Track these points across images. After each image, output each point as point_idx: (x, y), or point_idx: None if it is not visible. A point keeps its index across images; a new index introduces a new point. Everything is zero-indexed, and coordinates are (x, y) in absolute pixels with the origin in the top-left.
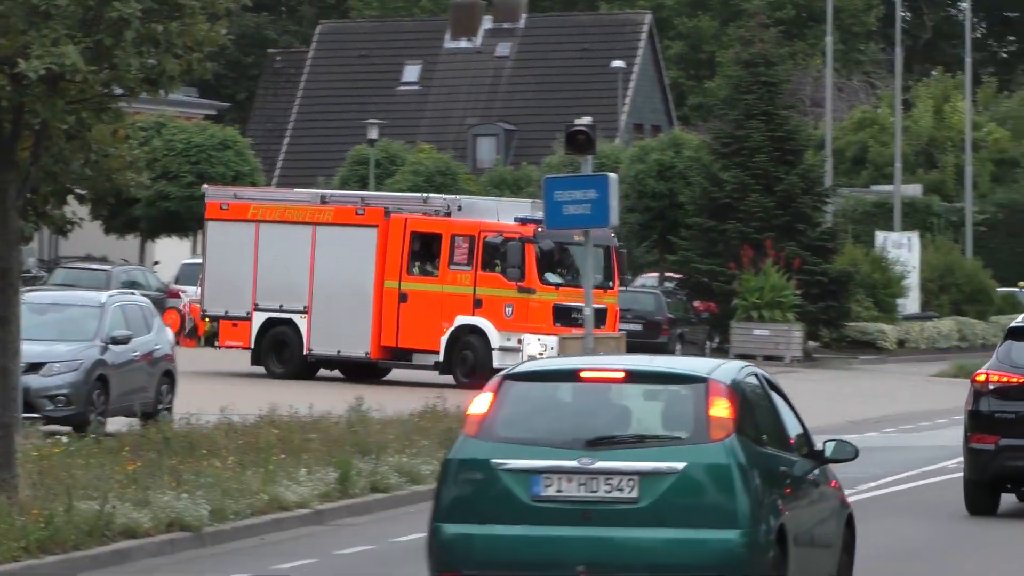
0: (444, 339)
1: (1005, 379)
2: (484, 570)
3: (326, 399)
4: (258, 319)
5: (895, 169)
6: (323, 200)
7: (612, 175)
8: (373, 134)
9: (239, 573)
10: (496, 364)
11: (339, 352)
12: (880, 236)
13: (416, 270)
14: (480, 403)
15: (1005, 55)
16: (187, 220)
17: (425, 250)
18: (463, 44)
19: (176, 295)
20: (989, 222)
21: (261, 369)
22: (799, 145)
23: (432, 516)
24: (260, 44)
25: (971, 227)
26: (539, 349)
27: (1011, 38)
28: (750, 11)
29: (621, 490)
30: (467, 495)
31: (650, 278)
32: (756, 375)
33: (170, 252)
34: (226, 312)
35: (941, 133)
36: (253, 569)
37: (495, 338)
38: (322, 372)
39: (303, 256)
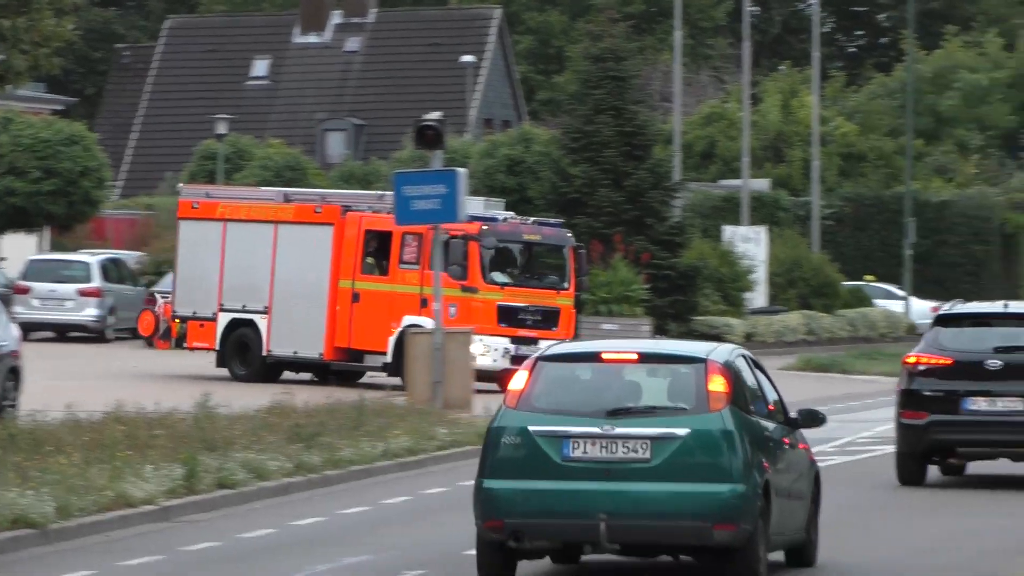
0: (392, 340)
1: (933, 361)
2: (522, 519)
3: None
4: (223, 320)
5: (743, 164)
6: (286, 198)
7: (461, 170)
8: (222, 129)
9: (84, 570)
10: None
11: (295, 353)
12: (728, 230)
13: (368, 269)
14: (518, 380)
15: (853, 49)
16: (34, 216)
17: (379, 249)
18: (312, 39)
19: (23, 291)
20: (836, 216)
21: (225, 371)
22: (648, 140)
23: (478, 474)
24: (108, 39)
25: (818, 221)
26: (481, 351)
27: (858, 33)
28: (599, 6)
29: (636, 452)
30: (508, 456)
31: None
32: (744, 356)
33: (17, 248)
34: (194, 313)
35: (789, 128)
36: (98, 566)
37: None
38: (288, 375)
39: (265, 256)
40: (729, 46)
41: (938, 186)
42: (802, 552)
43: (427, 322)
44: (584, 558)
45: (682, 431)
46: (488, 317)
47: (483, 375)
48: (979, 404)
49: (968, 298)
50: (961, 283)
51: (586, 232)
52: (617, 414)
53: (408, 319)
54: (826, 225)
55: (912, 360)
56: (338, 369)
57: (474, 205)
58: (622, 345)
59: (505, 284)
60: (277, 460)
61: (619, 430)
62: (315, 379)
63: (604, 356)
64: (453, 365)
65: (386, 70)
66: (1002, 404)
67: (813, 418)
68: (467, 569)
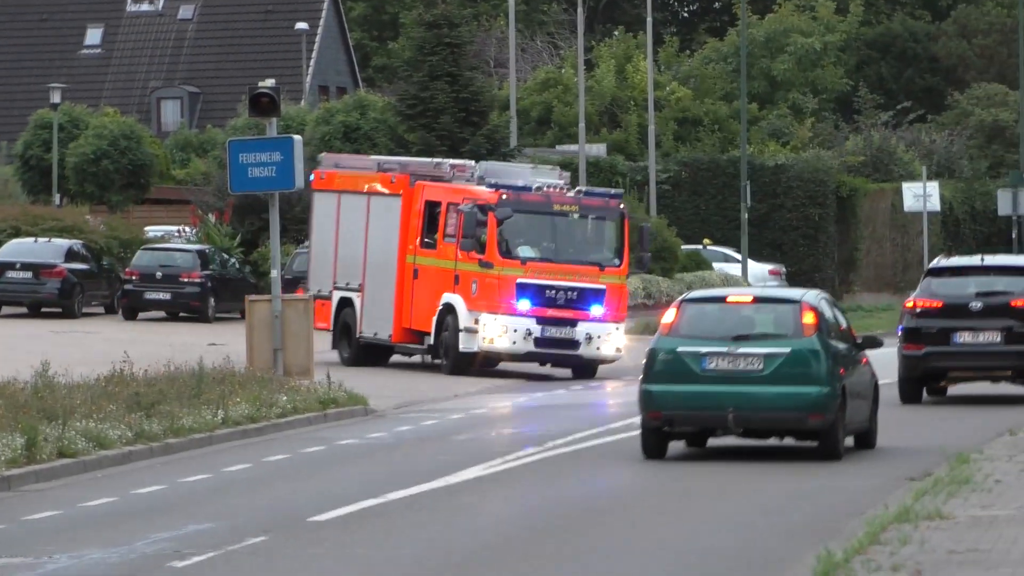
0: (434, 319)
1: (928, 304)
2: (673, 411)
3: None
4: (335, 298)
5: (579, 129)
6: (379, 167)
7: (297, 137)
8: (56, 98)
9: None
10: (462, 347)
11: (375, 335)
12: None
13: (425, 244)
14: (669, 315)
15: (686, 14)
16: None
17: (433, 221)
18: (145, 7)
19: None
20: (672, 181)
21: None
22: (484, 106)
23: (642, 381)
24: None
25: (655, 186)
26: (498, 332)
27: None
28: None
29: (752, 365)
30: (663, 368)
31: None
32: (825, 298)
33: None
34: (319, 291)
35: (624, 93)
36: None
37: (463, 318)
38: (398, 359)
39: (360, 229)
40: (563, 11)
41: (773, 150)
42: (866, 437)
43: (456, 300)
44: (710, 442)
45: (785, 350)
46: (504, 295)
47: (497, 359)
48: (965, 338)
49: (805, 261)
50: (798, 246)
51: None
52: (739, 339)
53: (446, 296)
54: (663, 190)
55: (911, 304)
56: (402, 351)
57: (516, 171)
58: (740, 291)
59: (529, 259)
60: (118, 429)
61: (740, 350)
62: (427, 362)
63: (728, 299)
64: (293, 332)
65: (220, 38)
66: (983, 337)
67: (873, 342)
68: (310, 535)
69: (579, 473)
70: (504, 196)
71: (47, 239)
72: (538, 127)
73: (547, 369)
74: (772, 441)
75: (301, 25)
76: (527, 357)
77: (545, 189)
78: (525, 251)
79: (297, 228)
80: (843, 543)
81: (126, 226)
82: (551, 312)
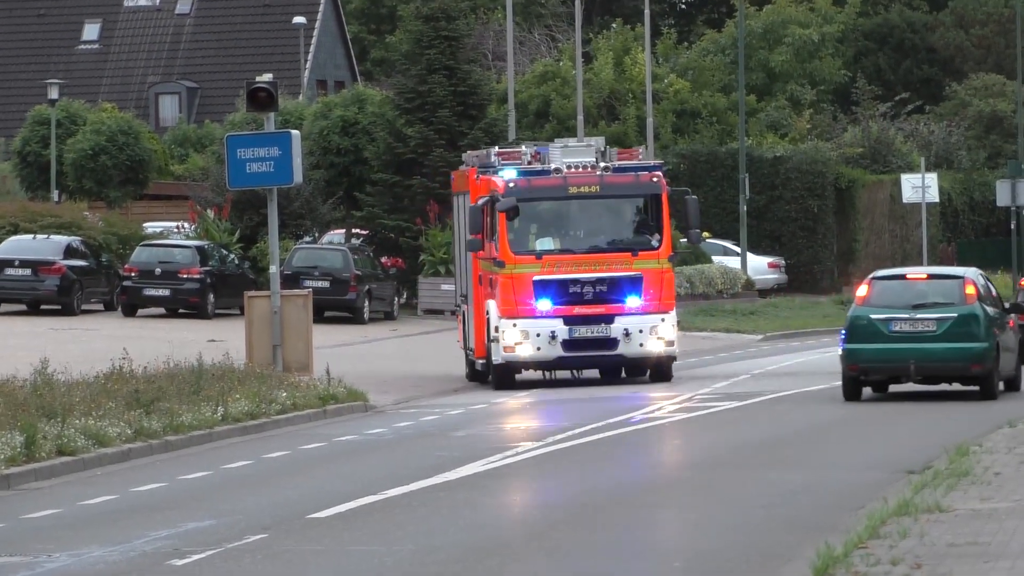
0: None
1: None
2: (867, 364)
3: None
4: (460, 311)
5: (578, 122)
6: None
7: (295, 132)
8: (53, 94)
9: None
10: (494, 359)
11: (472, 349)
12: None
13: (476, 243)
14: (862, 290)
15: (684, 6)
16: None
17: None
18: (143, 2)
19: None
20: (671, 173)
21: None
22: (482, 99)
23: (844, 341)
24: None
25: None
26: (517, 338)
27: None
28: None
29: (928, 327)
30: (858, 331)
31: (337, 235)
32: (982, 274)
33: None
34: (457, 305)
35: (622, 85)
36: None
37: (494, 326)
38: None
39: (462, 233)
40: (561, 4)
41: (772, 141)
42: (1014, 382)
43: (492, 307)
44: (891, 388)
45: (953, 315)
46: (520, 295)
47: (520, 367)
48: None
49: (804, 252)
50: (796, 238)
51: (422, 193)
52: (917, 307)
53: (488, 303)
54: None
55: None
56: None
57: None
58: (916, 269)
59: (545, 252)
60: (117, 426)
61: (919, 315)
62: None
63: (908, 276)
64: (292, 328)
65: (217, 32)
66: None
67: (1018, 308)
68: (310, 532)
69: (578, 469)
70: (511, 184)
71: (46, 236)
72: (536, 120)
73: (593, 374)
74: (943, 386)
75: (299, 19)
76: (557, 364)
77: (565, 170)
78: (543, 243)
79: (296, 223)
80: (842, 537)
81: (125, 222)
82: (579, 309)
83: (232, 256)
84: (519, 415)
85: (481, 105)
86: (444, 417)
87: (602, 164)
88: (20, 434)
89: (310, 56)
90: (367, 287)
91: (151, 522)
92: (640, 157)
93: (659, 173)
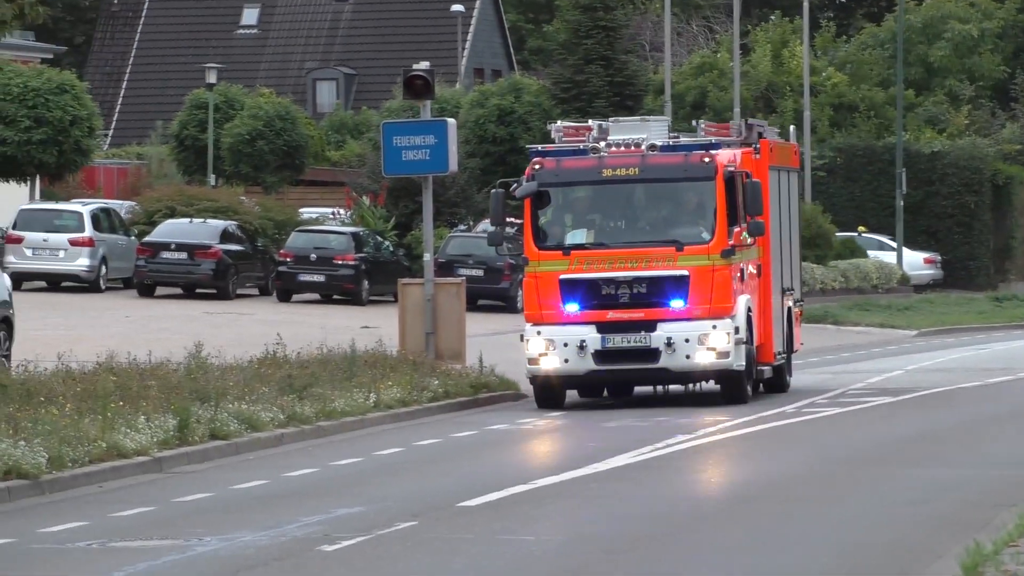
0: None
1: None
2: None
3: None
4: None
5: (734, 114)
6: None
7: (451, 120)
8: (211, 78)
9: (78, 521)
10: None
11: None
12: None
13: None
14: None
15: (843, 0)
16: (25, 165)
17: None
18: None
19: (16, 240)
20: (828, 167)
21: None
22: (638, 90)
23: None
24: None
25: (810, 172)
26: (541, 348)
27: None
28: None
29: None
30: None
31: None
32: None
33: (8, 198)
34: None
35: (780, 78)
36: (92, 516)
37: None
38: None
39: None
40: None
41: (929, 137)
42: None
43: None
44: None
45: None
46: (545, 297)
47: (552, 381)
48: None
49: (959, 249)
50: (952, 234)
51: None
52: None
53: None
54: (817, 176)
55: None
56: None
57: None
58: None
59: (574, 247)
60: (270, 411)
61: None
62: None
63: None
64: (445, 316)
65: (376, 19)
66: None
67: None
68: (460, 520)
69: (728, 462)
70: (537, 167)
71: (202, 220)
72: (693, 112)
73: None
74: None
75: (457, 7)
76: (589, 378)
77: (605, 150)
78: (573, 236)
79: (450, 211)
80: (993, 535)
81: (280, 207)
82: (614, 314)
83: (387, 243)
84: (667, 406)
85: (637, 96)
86: (594, 408)
87: (648, 143)
88: (173, 417)
89: (468, 44)
90: (520, 276)
91: (302, 507)
92: (733, 134)
93: (714, 153)
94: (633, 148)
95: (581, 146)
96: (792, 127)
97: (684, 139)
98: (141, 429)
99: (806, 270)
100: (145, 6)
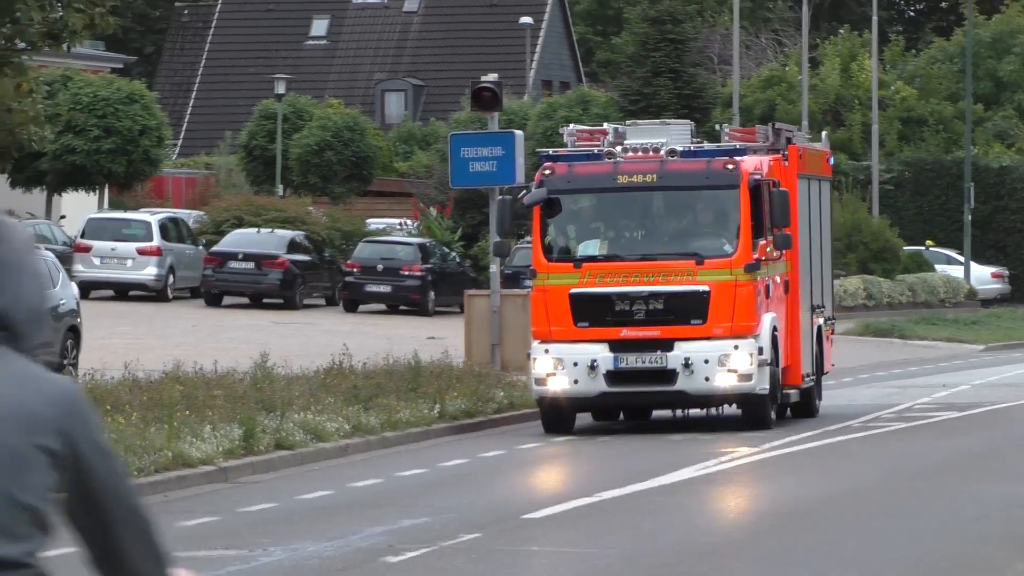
0: None
1: None
2: None
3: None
4: None
5: (802, 127)
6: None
7: (518, 132)
8: (280, 89)
9: None
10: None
11: None
12: None
13: None
14: None
15: (912, 13)
16: (94, 174)
17: None
18: None
19: (85, 249)
20: (896, 180)
21: None
22: (706, 103)
23: None
24: None
25: (878, 185)
26: (550, 368)
27: None
28: None
29: None
30: None
31: None
32: None
33: (77, 206)
34: None
35: (848, 91)
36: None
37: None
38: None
39: None
40: (789, 9)
41: (998, 151)
42: None
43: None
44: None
45: None
46: (555, 311)
47: (560, 403)
48: None
49: None
50: (1021, 248)
51: None
52: None
53: None
54: (886, 189)
55: None
56: None
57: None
58: None
59: (585, 259)
60: (335, 421)
61: None
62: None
63: None
64: (511, 328)
65: (445, 31)
66: None
67: None
68: (524, 532)
69: (795, 475)
70: (547, 172)
71: (270, 230)
72: (761, 123)
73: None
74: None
75: (525, 19)
76: (600, 401)
77: (621, 155)
78: (585, 247)
79: (517, 223)
80: None
81: (348, 218)
82: (627, 332)
83: (453, 254)
84: (731, 421)
85: (706, 109)
86: (661, 420)
87: (668, 147)
88: (239, 427)
89: (536, 56)
90: None
91: (366, 518)
92: (759, 139)
93: (739, 160)
94: (651, 153)
95: (595, 151)
96: (824, 132)
97: (707, 145)
98: (207, 439)
99: (873, 284)
100: (215, 17)
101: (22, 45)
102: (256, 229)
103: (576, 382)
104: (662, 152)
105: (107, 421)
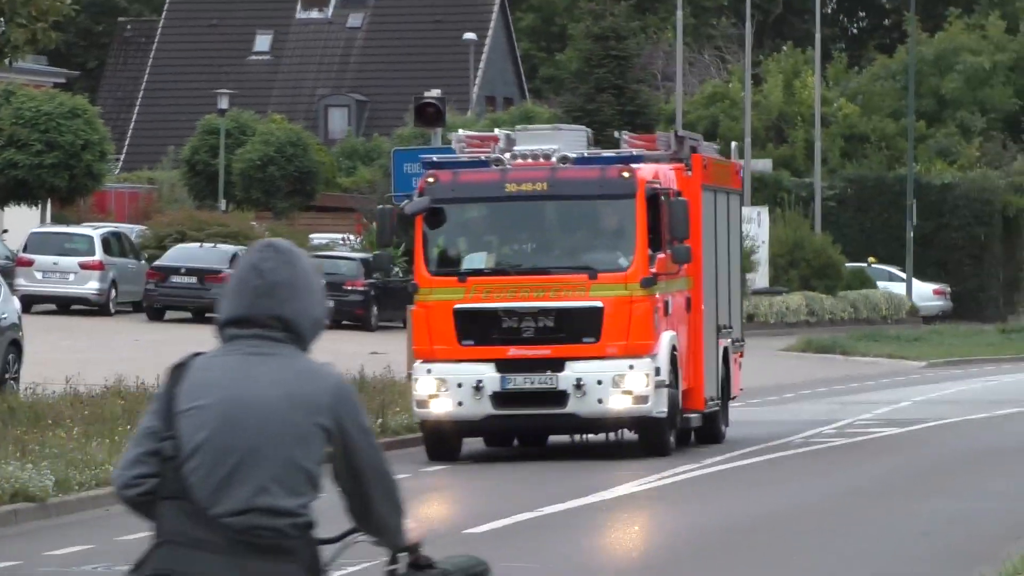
0: None
1: None
2: None
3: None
4: None
5: (745, 144)
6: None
7: None
8: (223, 104)
9: (83, 544)
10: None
11: None
12: None
13: None
14: None
15: (855, 31)
16: (36, 188)
17: None
18: (314, 14)
19: (27, 263)
20: (838, 197)
21: None
22: (650, 119)
23: None
24: (110, 12)
25: (820, 202)
26: (432, 390)
27: (861, 14)
28: None
29: None
30: None
31: None
32: None
33: (19, 221)
34: None
35: (791, 108)
36: (97, 540)
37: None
38: None
39: None
40: (732, 26)
41: (940, 169)
42: None
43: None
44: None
45: None
46: (439, 329)
47: (444, 427)
48: None
49: (969, 280)
50: (963, 265)
51: None
52: None
53: None
54: (828, 206)
55: None
56: None
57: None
58: None
59: (470, 273)
60: None
61: None
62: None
63: None
64: None
65: (388, 47)
66: None
67: None
68: (464, 548)
69: (731, 493)
70: (431, 180)
71: (212, 245)
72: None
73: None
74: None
75: (469, 35)
76: (486, 425)
77: (510, 162)
78: (471, 261)
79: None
80: (997, 567)
81: (291, 233)
82: (515, 351)
83: (396, 269)
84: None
85: (648, 125)
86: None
87: (559, 154)
88: None
89: (479, 72)
90: None
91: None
92: (660, 147)
93: (635, 168)
94: (542, 160)
95: (483, 158)
96: (733, 144)
97: (603, 152)
98: None
99: (815, 300)
100: (158, 32)
101: None
102: (199, 244)
103: (460, 404)
104: (553, 159)
105: (49, 435)
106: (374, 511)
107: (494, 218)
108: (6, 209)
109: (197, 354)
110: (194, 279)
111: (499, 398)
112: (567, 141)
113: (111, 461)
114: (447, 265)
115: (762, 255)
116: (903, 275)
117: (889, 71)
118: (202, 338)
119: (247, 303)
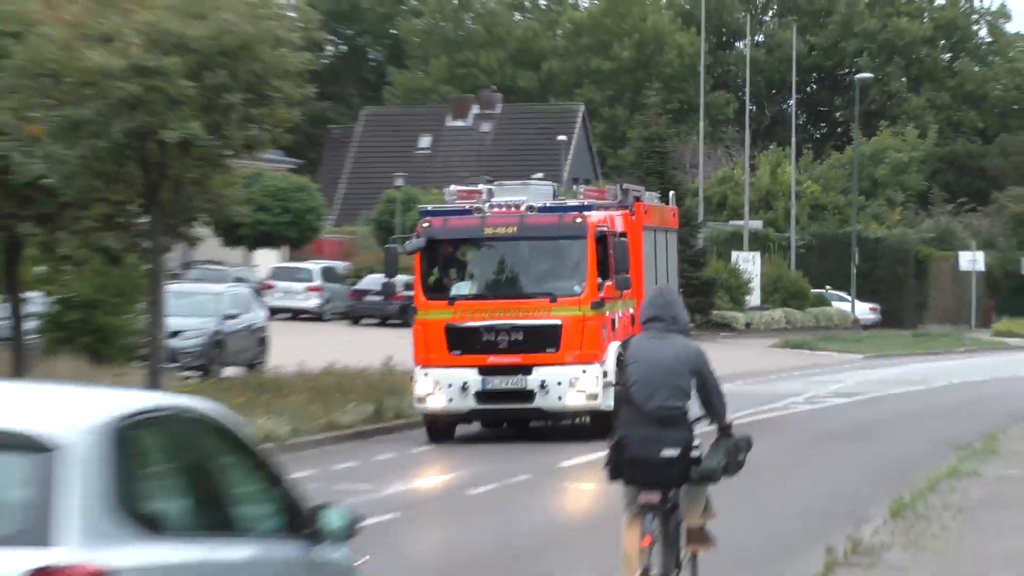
0: None
1: None
2: None
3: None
4: None
5: (744, 211)
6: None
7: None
8: (399, 182)
9: (309, 470)
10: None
11: None
12: (734, 255)
13: None
14: None
15: (818, 136)
16: (276, 238)
17: None
18: (459, 123)
19: (270, 287)
20: (806, 246)
21: None
22: (681, 193)
23: None
24: (324, 120)
25: (795, 249)
26: (429, 388)
27: (822, 124)
28: (649, 105)
29: None
30: None
31: None
32: None
33: (265, 258)
34: None
35: (775, 187)
36: (317, 468)
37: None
38: None
39: None
40: (736, 132)
41: (875, 228)
42: None
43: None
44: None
45: None
46: (432, 342)
47: (440, 419)
48: None
49: (893, 303)
50: (889, 292)
51: None
52: None
53: None
54: (800, 252)
55: None
56: None
57: (514, 189)
58: None
59: (458, 298)
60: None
61: None
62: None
63: None
64: None
65: (509, 144)
66: None
67: None
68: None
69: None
70: (426, 224)
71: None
72: (717, 209)
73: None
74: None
75: (561, 137)
76: (472, 416)
77: (489, 210)
78: (459, 288)
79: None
80: (910, 490)
81: None
82: (493, 359)
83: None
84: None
85: (680, 197)
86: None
87: (527, 204)
88: (372, 404)
89: (568, 160)
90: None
91: (460, 463)
92: (609, 198)
93: (586, 214)
94: (513, 209)
95: (468, 207)
96: (672, 192)
97: (565, 201)
98: (349, 411)
99: (792, 314)
100: (356, 134)
101: (229, 153)
102: (383, 275)
103: (451, 400)
104: (522, 208)
105: (285, 399)
106: (713, 407)
107: (475, 254)
108: (256, 251)
109: (630, 338)
110: (380, 298)
111: (481, 396)
112: (534, 194)
113: (326, 416)
114: (439, 291)
115: (755, 284)
116: (849, 298)
117: (840, 162)
118: (384, 337)
119: (656, 311)
